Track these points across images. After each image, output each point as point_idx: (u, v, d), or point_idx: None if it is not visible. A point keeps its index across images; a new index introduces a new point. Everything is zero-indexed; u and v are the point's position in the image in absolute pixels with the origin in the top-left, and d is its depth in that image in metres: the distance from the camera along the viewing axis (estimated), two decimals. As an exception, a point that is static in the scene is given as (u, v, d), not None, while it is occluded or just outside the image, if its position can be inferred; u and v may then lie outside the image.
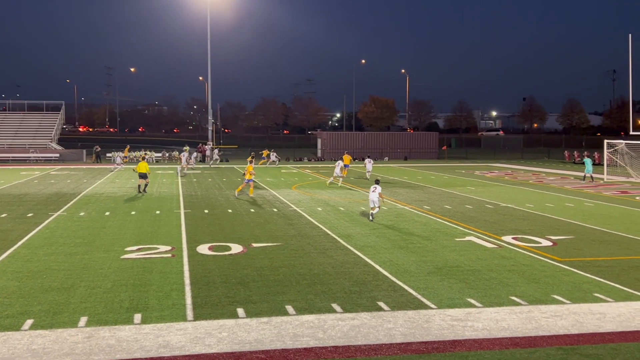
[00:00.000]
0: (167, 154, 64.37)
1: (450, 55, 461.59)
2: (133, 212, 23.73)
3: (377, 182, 22.41)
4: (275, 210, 24.62)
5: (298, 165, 56.36)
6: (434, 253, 16.36)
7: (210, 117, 69.76)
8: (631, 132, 43.05)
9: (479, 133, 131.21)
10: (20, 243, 17.49)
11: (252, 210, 24.58)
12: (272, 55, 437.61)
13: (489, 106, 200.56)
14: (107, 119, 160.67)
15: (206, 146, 63.65)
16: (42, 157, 60.20)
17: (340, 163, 36.25)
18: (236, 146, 79.51)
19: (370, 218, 21.92)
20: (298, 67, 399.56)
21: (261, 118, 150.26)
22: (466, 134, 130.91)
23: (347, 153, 41.54)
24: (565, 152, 68.19)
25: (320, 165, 56.65)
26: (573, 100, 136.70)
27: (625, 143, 42.74)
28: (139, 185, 30.95)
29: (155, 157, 63.10)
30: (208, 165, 54.77)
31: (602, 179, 40.05)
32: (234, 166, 53.58)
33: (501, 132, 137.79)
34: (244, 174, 29.75)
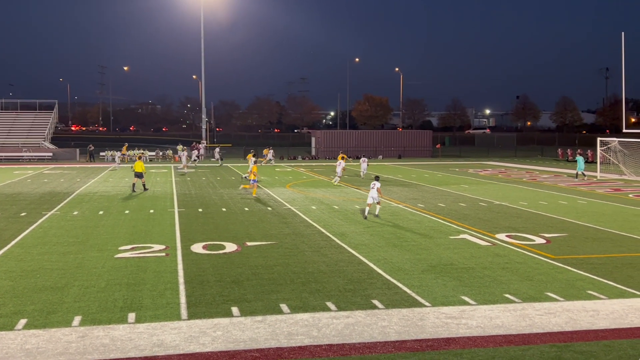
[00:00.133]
0: (160, 153, 64.25)
1: (444, 53, 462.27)
2: (127, 211, 23.68)
3: (376, 178, 22.49)
4: (269, 208, 24.61)
5: (292, 164, 56.34)
6: (428, 251, 16.39)
7: (204, 116, 69.70)
8: (624, 130, 43.22)
9: (466, 131, 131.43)
10: (13, 242, 17.43)
11: (247, 209, 24.57)
12: (266, 53, 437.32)
13: (482, 104, 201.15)
14: (100, 118, 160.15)
15: (200, 145, 63.58)
16: (35, 156, 59.98)
17: (342, 163, 36.66)
18: (230, 145, 79.40)
19: (365, 215, 21.98)
20: (292, 66, 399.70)
21: (255, 117, 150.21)
22: (460, 132, 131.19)
23: (342, 152, 41.83)
24: (559, 150, 68.40)
25: (314, 164, 56.64)
26: (566, 98, 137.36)
27: (618, 141, 42.92)
28: (134, 184, 30.94)
29: (149, 156, 62.96)
30: (199, 164, 54.64)
31: (596, 177, 40.21)
32: (228, 165, 53.51)
33: (487, 130, 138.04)
34: (249, 173, 29.49)
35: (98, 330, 10.05)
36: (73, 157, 60.75)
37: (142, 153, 59.86)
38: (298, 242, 17.48)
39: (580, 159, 39.96)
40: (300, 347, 9.38)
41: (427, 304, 11.62)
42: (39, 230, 19.45)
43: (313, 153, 68.91)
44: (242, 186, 30.29)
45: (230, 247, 16.79)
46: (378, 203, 22.00)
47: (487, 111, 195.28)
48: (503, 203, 26.60)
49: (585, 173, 39.71)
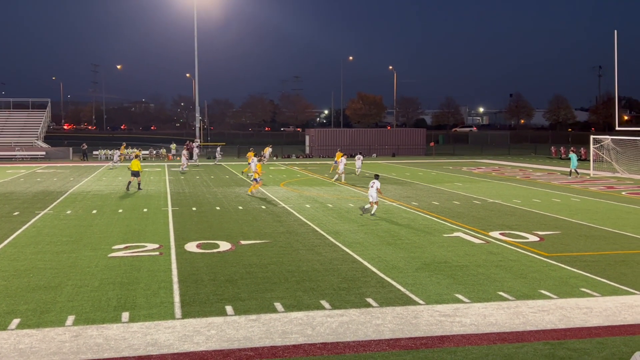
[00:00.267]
0: (154, 152, 64.11)
1: (438, 52, 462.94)
2: (120, 210, 23.61)
3: (376, 177, 22.56)
4: (263, 207, 24.59)
5: (286, 163, 56.30)
6: (422, 249, 16.41)
7: (197, 115, 69.50)
8: (617, 128, 43.35)
9: (453, 129, 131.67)
10: (6, 242, 17.35)
11: (240, 207, 24.54)
12: (259, 52, 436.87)
13: (476, 102, 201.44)
14: (93, 117, 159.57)
15: (194, 143, 63.41)
16: (28, 155, 59.73)
17: (343, 160, 37.02)
18: (224, 143, 79.31)
19: (362, 212, 22.08)
20: (286, 64, 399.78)
21: (249, 115, 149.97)
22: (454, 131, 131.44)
23: (339, 150, 42.78)
24: (552, 147, 68.56)
25: (308, 162, 56.62)
26: (559, 96, 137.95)
27: (611, 139, 43.06)
28: (129, 183, 30.94)
29: (143, 154, 62.79)
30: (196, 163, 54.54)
31: (589, 175, 40.34)
32: (222, 163, 53.42)
33: (474, 128, 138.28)
34: (254, 172, 29.12)
35: (92, 330, 10.02)
36: (66, 156, 60.55)
37: (139, 152, 59.81)
38: (292, 241, 17.47)
39: (573, 157, 40.08)
40: (294, 346, 9.38)
41: (421, 302, 11.63)
42: (32, 230, 19.38)
43: (307, 151, 68.88)
44: (254, 190, 29.34)
45: (225, 245, 16.77)
46: (376, 203, 22.01)
47: (481, 109, 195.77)
48: (497, 201, 26.66)
49: (578, 171, 39.84)
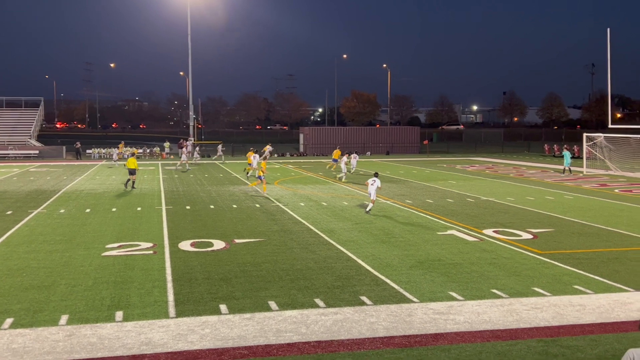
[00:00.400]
0: (147, 150, 63.97)
1: (432, 50, 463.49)
2: (114, 209, 23.56)
3: (375, 175, 22.59)
4: (257, 205, 24.57)
5: (280, 161, 56.27)
6: (416, 247, 16.44)
7: (191, 113, 69.41)
8: (610, 126, 43.50)
9: (440, 127, 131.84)
10: (-1, 241, 17.29)
11: (235, 206, 24.51)
12: (253, 50, 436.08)
13: (470, 100, 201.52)
14: (87, 115, 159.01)
15: (187, 142, 63.29)
16: (21, 153, 59.48)
17: (344, 159, 37.25)
18: (221, 142, 79.12)
19: (367, 210, 22.20)
20: (280, 62, 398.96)
21: (243, 113, 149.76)
22: (448, 129, 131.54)
23: (338, 148, 43.51)
24: (545, 145, 68.75)
25: (302, 161, 56.60)
26: (553, 94, 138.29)
27: (604, 136, 43.22)
28: (128, 180, 31.00)
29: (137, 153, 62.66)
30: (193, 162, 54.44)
31: (582, 172, 40.49)
32: (216, 162, 53.34)
33: (461, 126, 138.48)
34: (261, 171, 28.93)
35: (85, 329, 10.00)
36: (59, 154, 60.33)
37: (137, 150, 59.73)
38: (286, 239, 17.47)
39: (567, 154, 40.22)
40: (288, 344, 9.38)
41: (415, 299, 11.66)
42: (25, 229, 19.31)
43: (301, 150, 68.86)
44: (264, 192, 28.70)
45: (219, 244, 16.75)
46: (372, 201, 22.09)
47: (475, 107, 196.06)
48: (490, 199, 26.73)
49: (571, 169, 39.97)
